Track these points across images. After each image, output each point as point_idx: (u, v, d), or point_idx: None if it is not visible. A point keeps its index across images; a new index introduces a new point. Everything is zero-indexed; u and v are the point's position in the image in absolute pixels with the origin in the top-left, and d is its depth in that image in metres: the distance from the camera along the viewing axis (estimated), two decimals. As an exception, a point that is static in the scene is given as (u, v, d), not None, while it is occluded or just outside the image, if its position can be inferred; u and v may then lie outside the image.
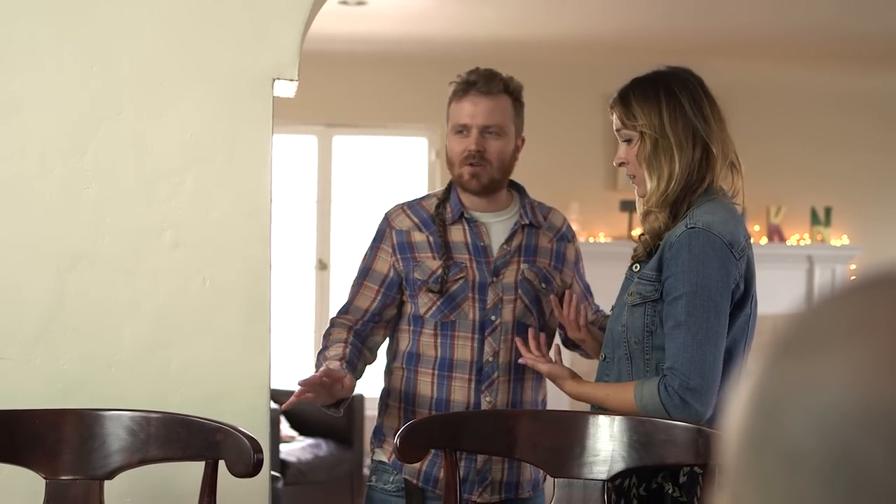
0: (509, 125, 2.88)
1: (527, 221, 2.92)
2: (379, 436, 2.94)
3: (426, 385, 2.84)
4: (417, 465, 2.83)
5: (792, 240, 7.81)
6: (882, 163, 7.91)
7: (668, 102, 2.50)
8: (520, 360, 2.70)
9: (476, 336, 2.83)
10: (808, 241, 7.81)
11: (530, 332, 2.75)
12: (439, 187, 3.38)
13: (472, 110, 2.84)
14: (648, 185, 2.50)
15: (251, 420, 2.61)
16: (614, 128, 2.58)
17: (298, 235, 7.53)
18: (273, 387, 2.85)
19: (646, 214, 2.51)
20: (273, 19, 2.72)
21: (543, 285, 2.90)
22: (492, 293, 2.84)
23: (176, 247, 2.70)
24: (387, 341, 2.97)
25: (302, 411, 6.45)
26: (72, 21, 2.69)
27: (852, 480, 0.53)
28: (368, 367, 2.91)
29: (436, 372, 2.84)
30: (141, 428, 2.34)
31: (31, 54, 2.67)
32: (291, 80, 2.75)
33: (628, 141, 2.53)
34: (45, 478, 2.32)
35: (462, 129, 2.85)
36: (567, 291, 2.87)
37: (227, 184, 2.71)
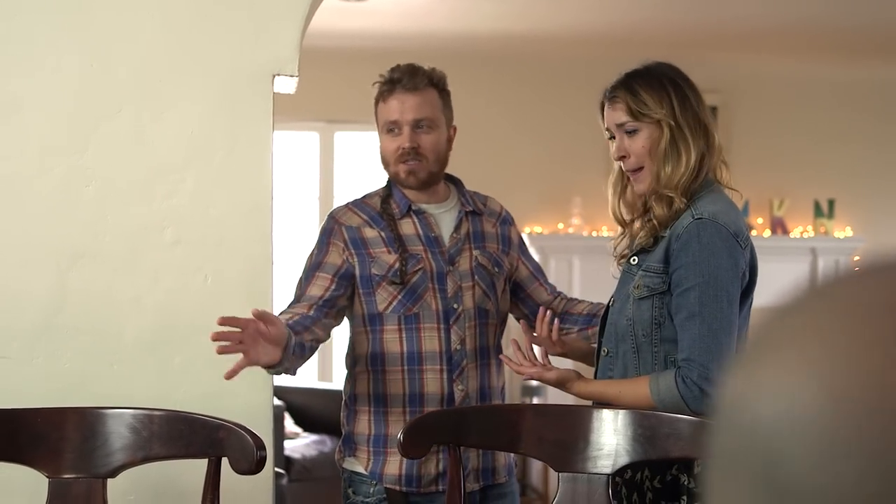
0: (439, 117, 2.88)
1: (470, 209, 2.94)
2: (350, 444, 2.88)
3: (396, 383, 2.80)
4: (396, 471, 2.80)
5: (795, 232, 7.80)
6: (885, 154, 7.89)
7: (676, 92, 2.50)
8: (523, 379, 2.67)
9: (442, 326, 2.81)
10: (812, 234, 7.80)
11: (513, 342, 2.73)
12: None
13: (401, 107, 2.83)
14: (662, 173, 2.47)
15: (254, 417, 2.60)
16: (614, 122, 2.54)
17: (301, 232, 7.53)
18: (276, 383, 2.84)
19: (660, 198, 2.48)
20: (272, 15, 2.72)
21: (496, 269, 2.92)
22: (450, 282, 2.83)
23: (177, 244, 2.69)
24: (344, 349, 2.93)
25: (307, 407, 6.44)
26: (71, 19, 2.68)
27: (779, 488, 0.54)
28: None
29: (405, 367, 2.79)
30: (143, 426, 2.33)
31: (30, 53, 2.67)
32: (292, 76, 2.74)
33: (631, 132, 2.51)
34: (47, 476, 2.32)
35: (393, 127, 2.83)
36: (541, 308, 2.82)
37: (228, 181, 2.71)
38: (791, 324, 0.58)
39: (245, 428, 2.26)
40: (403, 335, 2.80)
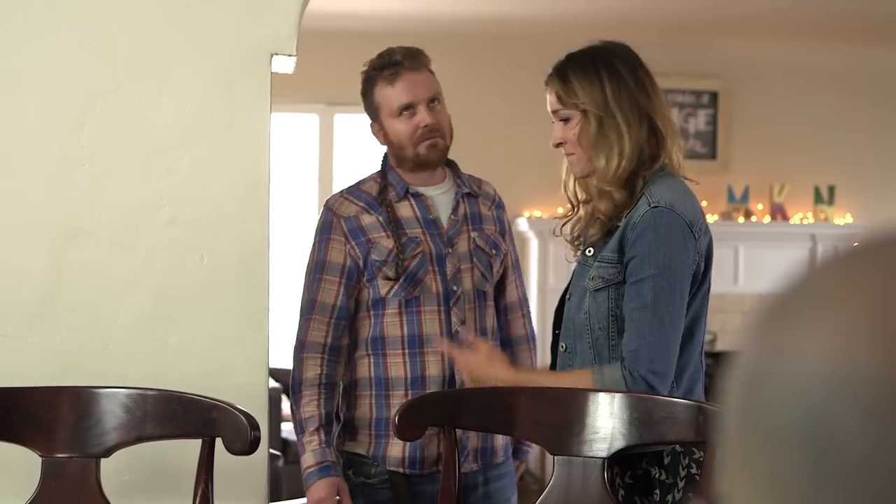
0: (441, 93, 2.89)
1: (466, 190, 2.93)
2: (350, 429, 2.87)
3: (398, 366, 2.80)
4: (399, 454, 2.80)
5: (795, 218, 7.78)
6: (886, 141, 7.87)
7: (610, 78, 2.43)
8: (436, 345, 2.70)
9: (442, 308, 2.81)
10: (812, 220, 7.78)
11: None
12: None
13: (412, 87, 2.82)
14: (598, 165, 2.43)
15: (249, 397, 2.59)
16: (550, 108, 2.50)
17: (301, 214, 7.51)
18: (272, 365, 2.83)
19: (601, 194, 2.43)
20: (271, -7, 2.70)
21: (493, 251, 2.92)
22: (450, 264, 2.83)
23: (173, 223, 2.68)
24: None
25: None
26: (68, -4, 2.66)
27: (826, 451, 0.51)
28: None
29: (406, 350, 2.79)
30: (137, 405, 2.32)
31: (26, 30, 2.65)
32: (290, 55, 2.72)
33: (565, 120, 2.47)
34: (41, 455, 2.31)
35: (408, 108, 2.82)
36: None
37: (225, 160, 2.69)
38: (838, 278, 0.55)
39: (239, 408, 2.25)
40: (404, 318, 2.80)
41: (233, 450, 2.24)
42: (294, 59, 2.75)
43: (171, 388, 2.40)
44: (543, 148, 8.58)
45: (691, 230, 2.36)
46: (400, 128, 2.84)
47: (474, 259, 2.87)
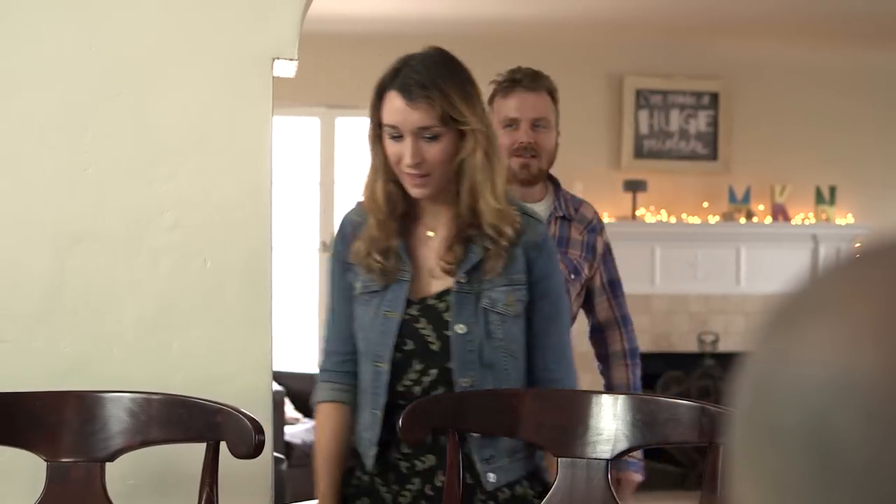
0: (552, 119, 3.04)
1: (561, 214, 3.03)
2: None
3: None
4: None
5: (797, 219, 7.78)
6: (887, 141, 7.87)
7: (476, 91, 2.29)
8: None
9: None
10: (813, 221, 7.78)
11: None
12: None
13: (521, 105, 2.98)
14: (482, 192, 2.24)
15: (253, 401, 2.60)
16: (415, 124, 2.23)
17: (302, 218, 7.51)
18: (276, 369, 2.84)
19: (505, 218, 2.27)
20: (272, -2, 2.71)
21: (573, 276, 2.99)
22: None
23: (176, 227, 2.68)
24: None
25: (307, 393, 6.44)
26: (70, 2, 2.67)
27: (829, 456, 0.51)
28: None
29: None
30: (142, 409, 2.32)
31: (29, 33, 2.65)
32: (291, 59, 2.73)
33: (431, 137, 2.24)
34: (46, 460, 2.31)
35: (511, 123, 2.96)
36: None
37: (228, 164, 2.70)
38: (842, 283, 0.55)
39: (243, 412, 2.26)
40: None
41: (237, 453, 2.25)
42: (296, 62, 2.75)
43: (175, 392, 2.41)
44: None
45: None
46: (501, 140, 2.93)
47: None
